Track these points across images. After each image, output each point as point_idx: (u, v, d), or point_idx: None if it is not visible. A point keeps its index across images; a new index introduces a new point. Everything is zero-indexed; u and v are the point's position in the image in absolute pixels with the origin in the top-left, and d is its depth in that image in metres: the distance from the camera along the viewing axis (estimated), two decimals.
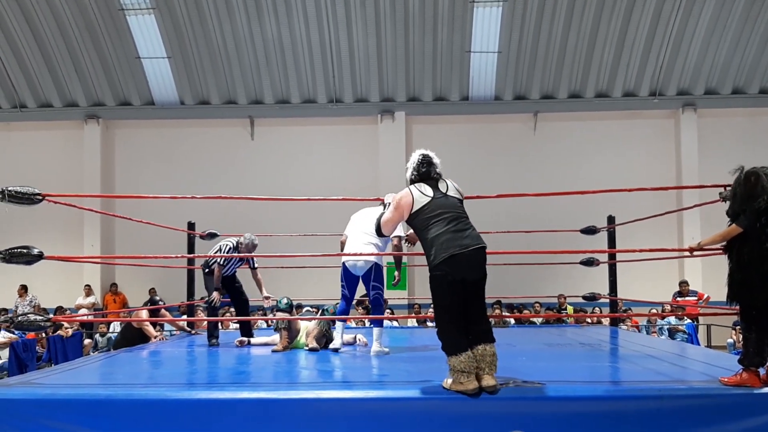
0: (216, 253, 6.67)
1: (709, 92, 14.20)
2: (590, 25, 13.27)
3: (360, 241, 5.81)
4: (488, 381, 3.66)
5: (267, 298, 6.77)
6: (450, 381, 3.72)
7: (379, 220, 4.35)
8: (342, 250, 5.91)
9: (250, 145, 14.72)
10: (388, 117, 14.34)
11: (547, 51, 13.65)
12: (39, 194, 4.49)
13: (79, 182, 14.19)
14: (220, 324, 7.27)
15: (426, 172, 4.07)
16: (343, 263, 5.82)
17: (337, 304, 11.87)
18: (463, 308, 3.77)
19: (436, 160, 4.13)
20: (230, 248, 6.64)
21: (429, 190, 3.97)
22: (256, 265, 6.84)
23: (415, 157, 4.15)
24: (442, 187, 4.02)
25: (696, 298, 11.64)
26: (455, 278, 3.72)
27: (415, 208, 3.94)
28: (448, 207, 3.90)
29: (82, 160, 14.60)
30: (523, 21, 13.25)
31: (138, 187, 13.95)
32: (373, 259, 5.72)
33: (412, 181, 4.09)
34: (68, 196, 5.20)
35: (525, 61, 13.84)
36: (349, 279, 5.88)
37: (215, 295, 6.57)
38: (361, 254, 5.67)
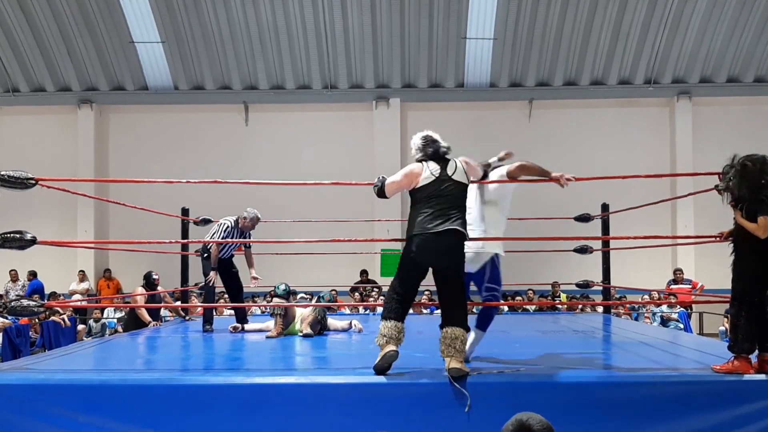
0: (214, 233, 6.66)
1: (705, 80, 14.18)
2: (586, 11, 13.22)
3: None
4: (449, 364, 3.70)
5: (255, 278, 6.75)
6: (378, 360, 3.79)
7: (383, 179, 4.20)
8: None
9: (245, 131, 14.65)
10: (383, 103, 14.28)
11: (543, 38, 13.59)
12: (32, 179, 4.45)
13: (73, 167, 14.12)
14: (214, 310, 7.27)
15: (434, 151, 4.05)
16: None
17: (332, 290, 11.91)
18: (416, 286, 3.98)
19: (437, 136, 4.10)
20: (228, 227, 6.62)
21: (437, 171, 3.97)
22: (251, 244, 6.83)
23: (416, 139, 4.11)
24: (450, 168, 4.00)
25: (690, 287, 11.71)
26: (418, 261, 3.89)
27: (420, 184, 3.97)
28: (445, 190, 3.93)
29: (75, 144, 14.49)
30: (518, 7, 13.17)
31: (132, 172, 13.85)
32: (486, 249, 4.40)
33: (425, 158, 4.05)
34: (62, 181, 5.17)
35: (521, 47, 13.78)
36: None
37: (212, 275, 6.57)
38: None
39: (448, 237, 3.84)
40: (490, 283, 4.46)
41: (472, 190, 4.44)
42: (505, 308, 10.72)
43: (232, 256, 6.89)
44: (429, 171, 3.98)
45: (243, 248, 6.90)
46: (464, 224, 3.94)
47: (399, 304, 3.89)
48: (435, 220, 3.86)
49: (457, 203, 3.96)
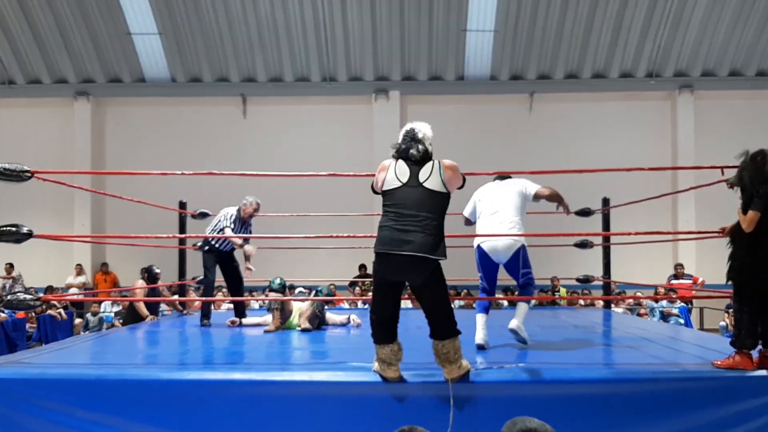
0: (218, 224, 6.64)
1: (707, 74, 14.14)
2: (588, 4, 13.15)
3: (498, 220, 4.82)
4: (447, 373, 3.61)
5: (249, 269, 6.75)
6: (376, 364, 3.70)
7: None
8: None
9: (243, 123, 14.59)
10: (382, 96, 14.22)
11: (544, 30, 13.53)
12: (28, 171, 4.41)
13: (70, 160, 14.06)
14: (212, 304, 7.24)
15: (405, 150, 3.67)
16: (478, 246, 4.86)
17: (330, 284, 11.82)
18: (392, 306, 3.63)
19: (422, 134, 3.72)
20: (233, 216, 6.61)
21: (406, 175, 3.61)
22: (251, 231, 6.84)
23: (403, 130, 3.80)
24: (423, 174, 3.61)
25: (691, 282, 11.69)
26: (385, 277, 3.58)
27: (385, 187, 3.66)
28: (413, 200, 3.55)
29: (72, 137, 14.44)
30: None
31: (129, 165, 13.82)
32: (521, 240, 4.77)
33: (396, 156, 3.73)
34: (58, 173, 5.12)
35: (521, 40, 13.72)
36: (486, 266, 4.89)
37: (250, 248, 6.53)
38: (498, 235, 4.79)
39: (411, 259, 3.49)
40: (524, 268, 4.84)
41: (502, 193, 4.88)
42: (505, 303, 10.69)
43: (233, 249, 6.86)
44: (395, 173, 3.63)
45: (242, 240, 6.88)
46: (427, 243, 3.49)
47: (382, 327, 3.62)
48: (394, 239, 3.50)
49: (423, 216, 3.52)
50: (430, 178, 3.60)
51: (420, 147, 3.68)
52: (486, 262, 4.86)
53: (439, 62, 14.12)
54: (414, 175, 3.61)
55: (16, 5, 13.39)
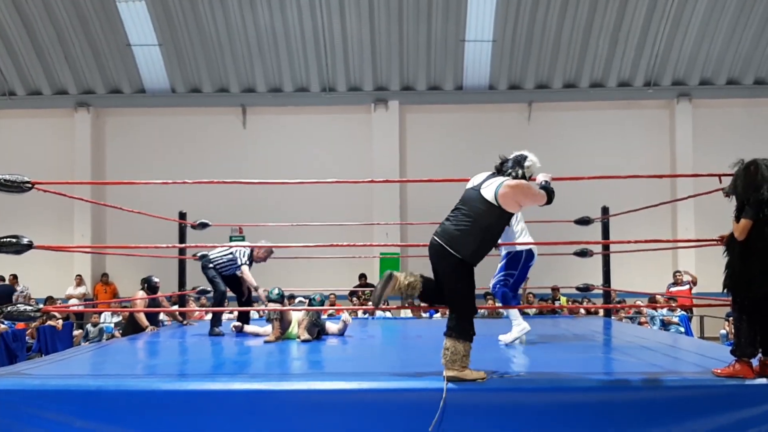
0: (227, 254, 6.73)
1: (704, 83, 14.19)
2: (585, 14, 13.22)
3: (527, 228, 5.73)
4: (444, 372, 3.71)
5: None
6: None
7: None
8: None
9: (243, 133, 14.62)
10: (381, 106, 14.26)
11: (542, 40, 13.59)
12: (28, 182, 4.42)
13: (70, 171, 14.08)
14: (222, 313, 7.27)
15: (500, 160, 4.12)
16: (530, 250, 5.60)
17: (330, 294, 11.80)
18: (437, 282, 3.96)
19: (522, 157, 4.09)
20: (247, 255, 6.74)
21: (477, 181, 3.98)
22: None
23: None
24: (488, 183, 3.91)
25: (688, 288, 11.67)
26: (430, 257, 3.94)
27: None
28: (466, 201, 3.92)
29: (72, 148, 14.47)
30: (518, 10, 13.17)
31: (128, 175, 13.81)
32: None
33: None
34: (58, 184, 5.13)
35: (520, 50, 13.78)
36: (528, 269, 5.66)
37: (261, 293, 6.64)
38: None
39: (432, 245, 3.87)
40: None
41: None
42: (505, 312, 10.68)
43: (233, 274, 6.91)
44: (473, 180, 4.02)
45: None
46: (451, 234, 3.79)
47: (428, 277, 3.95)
48: (439, 227, 3.90)
49: (465, 212, 3.85)
50: (489, 187, 3.87)
51: (508, 163, 4.06)
52: (528, 266, 5.51)
53: (437, 72, 14.18)
54: (483, 181, 3.95)
55: (17, 17, 13.45)
